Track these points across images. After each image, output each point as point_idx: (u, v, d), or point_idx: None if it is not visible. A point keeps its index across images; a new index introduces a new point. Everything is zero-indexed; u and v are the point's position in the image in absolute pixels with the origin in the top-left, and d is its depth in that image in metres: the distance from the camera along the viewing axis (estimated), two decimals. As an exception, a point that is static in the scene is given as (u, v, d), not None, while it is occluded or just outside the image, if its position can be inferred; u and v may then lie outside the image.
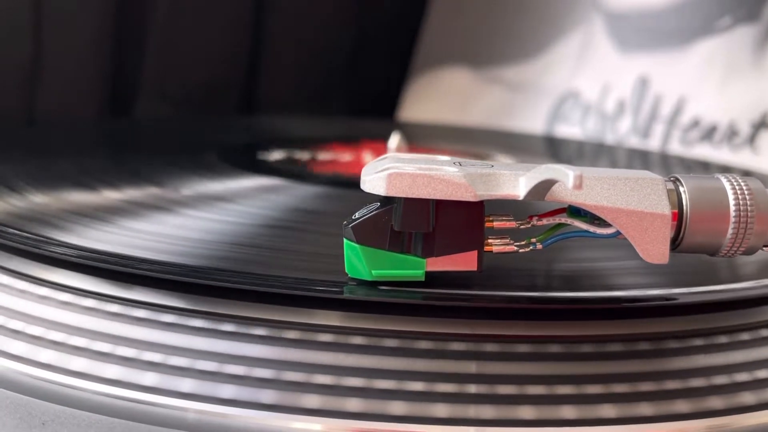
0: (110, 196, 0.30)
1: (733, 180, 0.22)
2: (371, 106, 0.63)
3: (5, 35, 0.49)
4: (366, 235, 0.21)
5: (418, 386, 0.20)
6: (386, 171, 0.21)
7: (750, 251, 0.22)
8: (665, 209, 0.21)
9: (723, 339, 0.23)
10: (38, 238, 0.24)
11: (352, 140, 0.42)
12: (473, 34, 0.59)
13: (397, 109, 0.60)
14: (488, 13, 0.59)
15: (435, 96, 0.59)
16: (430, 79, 0.60)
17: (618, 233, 0.21)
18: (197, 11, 0.56)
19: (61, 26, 0.50)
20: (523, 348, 0.21)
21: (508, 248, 0.22)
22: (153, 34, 0.54)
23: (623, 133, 0.51)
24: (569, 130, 0.53)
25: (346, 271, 0.22)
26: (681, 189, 0.21)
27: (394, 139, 0.36)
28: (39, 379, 0.21)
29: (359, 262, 0.21)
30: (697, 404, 0.21)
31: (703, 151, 0.48)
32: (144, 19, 0.54)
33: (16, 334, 0.23)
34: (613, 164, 0.45)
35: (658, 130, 0.50)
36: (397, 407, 0.20)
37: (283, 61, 0.59)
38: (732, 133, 0.48)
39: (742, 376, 0.22)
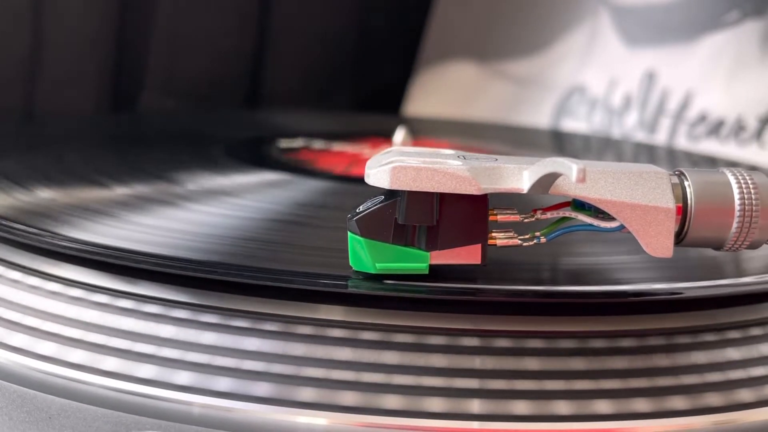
0: (116, 190, 0.30)
1: (738, 174, 0.22)
2: (377, 100, 0.62)
3: (5, 28, 0.48)
4: (370, 228, 0.21)
5: (426, 381, 0.20)
6: (390, 164, 0.21)
7: (755, 245, 0.22)
8: (669, 203, 0.21)
9: (735, 334, 0.23)
10: (46, 233, 0.24)
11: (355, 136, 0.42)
12: (479, 28, 0.59)
13: (402, 104, 0.60)
14: (494, 7, 0.59)
15: (441, 90, 0.59)
16: (435, 74, 0.60)
17: (622, 227, 0.21)
18: (203, 5, 0.56)
19: (62, 19, 0.50)
20: (533, 343, 0.21)
21: (511, 242, 0.22)
22: (158, 28, 0.54)
23: (630, 127, 0.51)
24: (575, 124, 0.53)
25: (351, 264, 0.22)
26: (686, 183, 0.21)
27: (400, 134, 0.36)
28: (45, 373, 0.21)
29: (363, 255, 0.21)
30: (709, 400, 0.21)
31: (710, 146, 0.48)
32: (149, 12, 0.54)
33: (22, 328, 0.23)
34: (620, 159, 0.45)
35: (665, 124, 0.50)
36: (398, 403, 0.20)
37: (289, 56, 0.59)
38: (739, 128, 0.47)
39: (758, 371, 0.22)
